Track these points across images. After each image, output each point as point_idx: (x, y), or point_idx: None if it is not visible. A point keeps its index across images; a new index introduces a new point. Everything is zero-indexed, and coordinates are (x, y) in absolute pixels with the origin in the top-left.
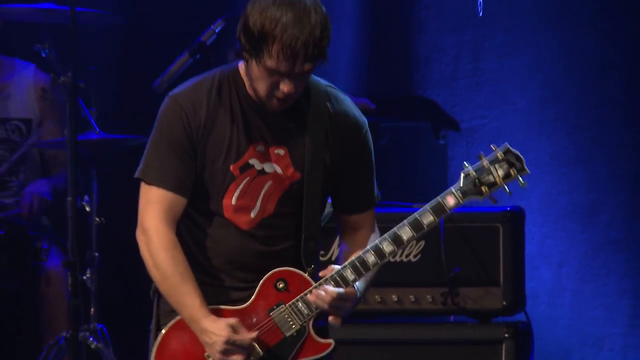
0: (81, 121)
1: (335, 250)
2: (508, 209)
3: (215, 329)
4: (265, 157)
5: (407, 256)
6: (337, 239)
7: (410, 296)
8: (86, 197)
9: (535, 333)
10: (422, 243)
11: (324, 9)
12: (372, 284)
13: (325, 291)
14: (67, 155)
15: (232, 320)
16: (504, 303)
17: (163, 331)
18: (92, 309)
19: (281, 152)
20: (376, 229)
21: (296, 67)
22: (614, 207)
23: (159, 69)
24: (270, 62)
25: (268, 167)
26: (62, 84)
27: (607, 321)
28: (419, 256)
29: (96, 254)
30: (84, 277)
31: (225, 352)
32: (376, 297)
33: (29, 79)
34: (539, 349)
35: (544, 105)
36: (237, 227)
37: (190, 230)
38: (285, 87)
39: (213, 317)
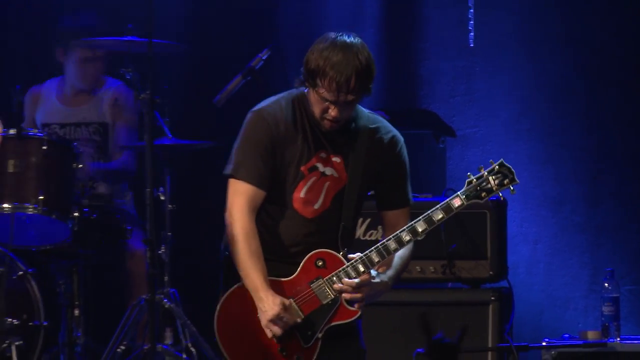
0: (157, 129)
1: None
2: (494, 198)
3: (271, 302)
4: (326, 162)
5: None
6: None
7: (417, 267)
8: (161, 189)
9: (515, 296)
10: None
11: (369, 53)
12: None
13: (346, 282)
14: (146, 156)
15: (287, 300)
16: (491, 272)
17: (227, 293)
18: (166, 277)
19: (337, 159)
20: None
21: (341, 97)
22: (576, 197)
23: (217, 87)
24: (322, 92)
25: (329, 171)
26: (142, 100)
27: (571, 287)
28: (423, 235)
29: (169, 234)
30: (160, 252)
31: (272, 322)
32: None
33: (110, 90)
34: (518, 309)
35: (521, 117)
36: (303, 216)
37: (262, 218)
38: (332, 112)
39: (272, 292)
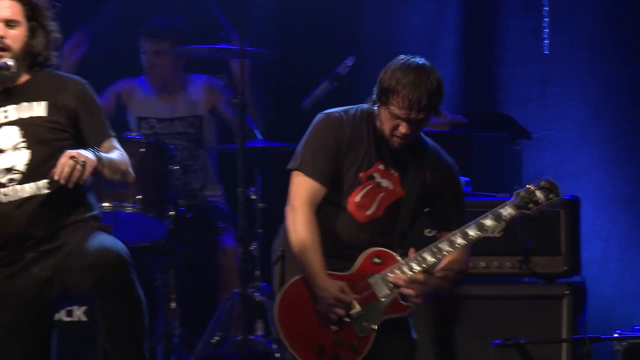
0: (248, 132)
1: None
2: (568, 197)
3: (328, 287)
4: (384, 174)
5: (492, 233)
6: None
7: (495, 263)
8: (252, 188)
9: (588, 290)
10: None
11: (439, 75)
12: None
13: (399, 276)
14: (238, 157)
15: (342, 283)
16: (565, 268)
17: (288, 284)
18: (257, 271)
19: (394, 173)
20: None
21: (411, 115)
22: None
23: (305, 92)
24: (393, 109)
25: (385, 183)
26: (234, 104)
27: None
28: (501, 233)
29: (260, 231)
30: (251, 248)
31: (331, 306)
32: (469, 263)
33: (200, 84)
34: (591, 303)
35: (593, 120)
36: (355, 220)
37: (319, 216)
38: (402, 129)
39: (328, 279)
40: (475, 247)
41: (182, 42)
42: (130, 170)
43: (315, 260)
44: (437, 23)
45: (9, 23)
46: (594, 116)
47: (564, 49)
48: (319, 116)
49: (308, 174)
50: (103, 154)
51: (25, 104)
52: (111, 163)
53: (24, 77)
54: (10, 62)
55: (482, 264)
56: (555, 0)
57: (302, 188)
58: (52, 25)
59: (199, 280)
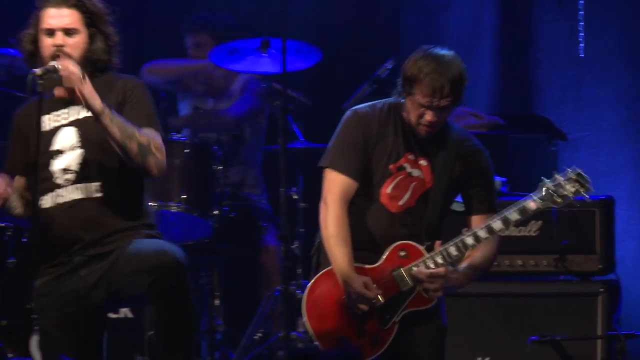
0: (290, 133)
1: None
2: (602, 197)
3: (353, 282)
4: (414, 164)
5: (528, 232)
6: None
7: (531, 261)
8: (294, 188)
9: (623, 288)
10: (540, 222)
11: (461, 62)
12: (502, 252)
13: (421, 271)
14: (280, 158)
15: (367, 279)
16: (600, 266)
17: (316, 276)
18: (299, 269)
19: (424, 163)
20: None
21: (434, 102)
22: None
23: (346, 95)
24: (417, 98)
25: (416, 172)
26: (276, 107)
27: None
28: (538, 232)
29: (301, 230)
30: (293, 246)
31: (356, 300)
32: (506, 261)
33: (244, 82)
34: (625, 299)
35: (627, 122)
36: (389, 211)
37: (351, 209)
38: (427, 116)
39: (354, 274)
40: (513, 246)
41: (224, 36)
42: (148, 151)
43: (342, 255)
44: (475, 27)
45: (68, 32)
46: (628, 117)
47: (599, 51)
48: (347, 113)
49: (339, 170)
50: (118, 116)
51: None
52: (124, 126)
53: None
54: (58, 65)
55: (519, 262)
56: (590, 4)
57: (335, 184)
58: (111, 30)
59: (242, 278)
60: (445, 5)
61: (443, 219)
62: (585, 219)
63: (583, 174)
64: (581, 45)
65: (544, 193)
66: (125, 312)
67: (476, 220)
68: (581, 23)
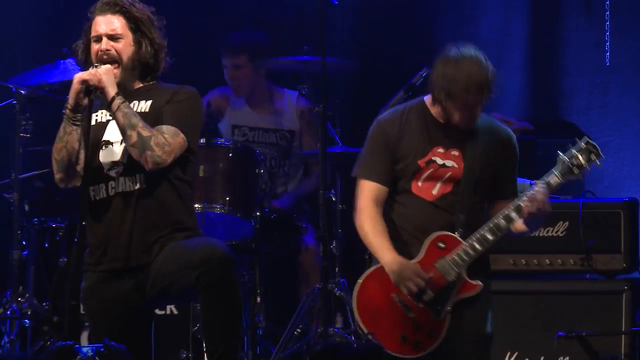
0: (329, 138)
1: None
2: (627, 199)
3: (403, 271)
4: (446, 156)
5: (556, 232)
6: None
7: (558, 260)
8: (332, 191)
9: None
10: (567, 223)
11: (488, 63)
12: (530, 252)
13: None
14: (320, 162)
15: (415, 267)
16: (624, 265)
17: (365, 273)
18: (337, 268)
19: (456, 153)
20: None
21: (470, 100)
22: None
23: (382, 102)
24: (454, 101)
25: (449, 163)
26: (316, 112)
27: None
28: (564, 232)
29: (339, 230)
30: (331, 246)
31: (409, 284)
32: (534, 261)
33: (293, 102)
34: None
35: None
36: (424, 200)
37: (389, 204)
38: (467, 114)
39: (401, 265)
40: (541, 246)
41: (262, 55)
42: (147, 145)
43: (385, 249)
44: (505, 36)
45: (113, 37)
46: None
47: (625, 60)
48: (374, 124)
49: (368, 178)
50: (129, 107)
51: (134, 102)
52: (130, 116)
53: (137, 85)
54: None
55: (547, 261)
56: (616, 15)
57: (365, 191)
58: (157, 35)
59: (282, 276)
60: (476, 15)
61: (479, 205)
62: (611, 220)
63: (591, 140)
64: (607, 54)
65: (562, 166)
66: (170, 308)
67: (500, 205)
68: (607, 33)
